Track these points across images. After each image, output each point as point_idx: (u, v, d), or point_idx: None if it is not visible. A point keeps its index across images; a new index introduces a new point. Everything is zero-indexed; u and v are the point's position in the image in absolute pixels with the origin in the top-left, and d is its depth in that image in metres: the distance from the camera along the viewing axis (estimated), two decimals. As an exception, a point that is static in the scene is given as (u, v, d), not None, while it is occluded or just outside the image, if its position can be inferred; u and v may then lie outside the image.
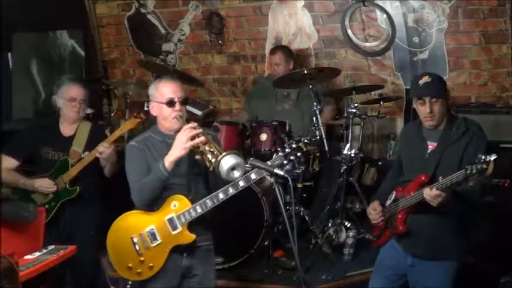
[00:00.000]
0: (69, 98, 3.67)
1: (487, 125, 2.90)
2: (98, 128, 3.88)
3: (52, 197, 3.61)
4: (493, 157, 2.34)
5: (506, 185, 3.91)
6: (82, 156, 3.65)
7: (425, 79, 2.77)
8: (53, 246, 2.92)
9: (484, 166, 2.35)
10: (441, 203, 2.59)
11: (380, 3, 4.91)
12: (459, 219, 2.78)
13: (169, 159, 2.65)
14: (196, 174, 2.82)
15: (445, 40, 4.79)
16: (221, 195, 2.70)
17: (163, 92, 2.79)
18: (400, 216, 2.84)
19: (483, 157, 2.35)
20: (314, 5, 5.17)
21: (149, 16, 5.67)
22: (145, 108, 3.10)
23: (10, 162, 3.66)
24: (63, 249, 2.88)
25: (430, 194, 2.59)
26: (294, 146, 2.69)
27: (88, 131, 3.73)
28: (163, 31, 5.68)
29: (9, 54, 5.10)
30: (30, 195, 3.63)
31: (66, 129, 3.74)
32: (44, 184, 3.59)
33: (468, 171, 2.40)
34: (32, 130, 3.83)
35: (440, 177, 2.58)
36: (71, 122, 3.73)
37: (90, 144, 3.66)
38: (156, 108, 2.82)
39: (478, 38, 4.68)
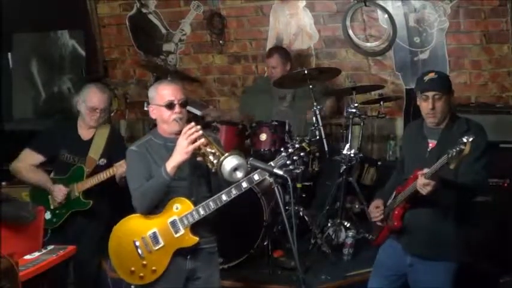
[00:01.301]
0: (91, 107, 3.59)
1: (487, 125, 2.90)
2: (115, 133, 3.82)
3: (64, 204, 3.59)
4: (470, 138, 2.40)
5: (505, 185, 3.91)
6: (97, 163, 3.63)
7: (431, 76, 2.81)
8: (52, 246, 2.93)
9: (462, 147, 2.40)
10: (431, 192, 2.60)
11: (381, 3, 4.91)
12: (459, 219, 2.78)
13: (171, 165, 2.61)
14: (199, 176, 2.79)
15: (446, 40, 4.79)
16: (224, 197, 2.69)
17: (163, 94, 2.76)
18: (396, 212, 2.85)
19: (463, 139, 2.40)
20: (315, 5, 5.17)
21: (150, 16, 5.67)
22: (145, 109, 3.08)
23: (35, 158, 3.63)
24: (62, 249, 2.89)
25: (419, 182, 2.61)
26: (297, 146, 2.68)
27: (106, 137, 3.68)
28: (164, 31, 5.68)
29: (9, 54, 5.11)
30: (47, 196, 3.61)
31: (84, 133, 3.69)
32: (57, 190, 3.57)
33: (449, 155, 2.45)
34: (55, 130, 3.79)
35: (426, 169, 2.59)
36: (89, 127, 3.69)
37: (107, 151, 3.63)
38: (156, 111, 2.79)
39: (479, 38, 4.69)
